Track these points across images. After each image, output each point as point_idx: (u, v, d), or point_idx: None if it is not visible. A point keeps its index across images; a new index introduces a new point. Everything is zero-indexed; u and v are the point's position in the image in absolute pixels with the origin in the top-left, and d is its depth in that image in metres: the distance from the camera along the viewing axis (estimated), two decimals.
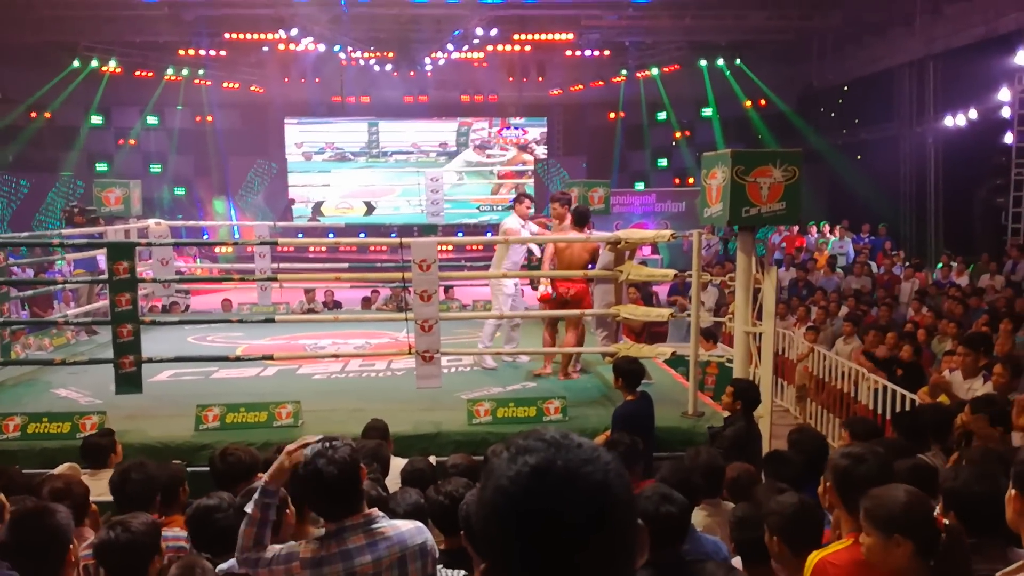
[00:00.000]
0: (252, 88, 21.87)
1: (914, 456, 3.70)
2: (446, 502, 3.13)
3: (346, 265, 12.51)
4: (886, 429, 5.99)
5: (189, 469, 4.31)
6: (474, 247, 16.71)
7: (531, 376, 7.18)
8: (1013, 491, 2.32)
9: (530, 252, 7.92)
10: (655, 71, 21.02)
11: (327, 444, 2.47)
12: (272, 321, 8.26)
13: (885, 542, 2.37)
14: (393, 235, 16.65)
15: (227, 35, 18.20)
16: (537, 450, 1.06)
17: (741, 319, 5.94)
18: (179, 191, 22.78)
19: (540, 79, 22.14)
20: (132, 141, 22.21)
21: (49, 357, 7.88)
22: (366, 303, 12.40)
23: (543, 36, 18.84)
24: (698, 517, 3.55)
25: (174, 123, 22.60)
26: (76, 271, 10.24)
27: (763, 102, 20.53)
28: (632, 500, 1.10)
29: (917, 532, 2.35)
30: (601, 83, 22.20)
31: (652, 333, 9.25)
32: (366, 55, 19.98)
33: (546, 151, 24.23)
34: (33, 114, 19.89)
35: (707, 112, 21.84)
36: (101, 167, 21.37)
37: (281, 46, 18.65)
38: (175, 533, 3.31)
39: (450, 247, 16.88)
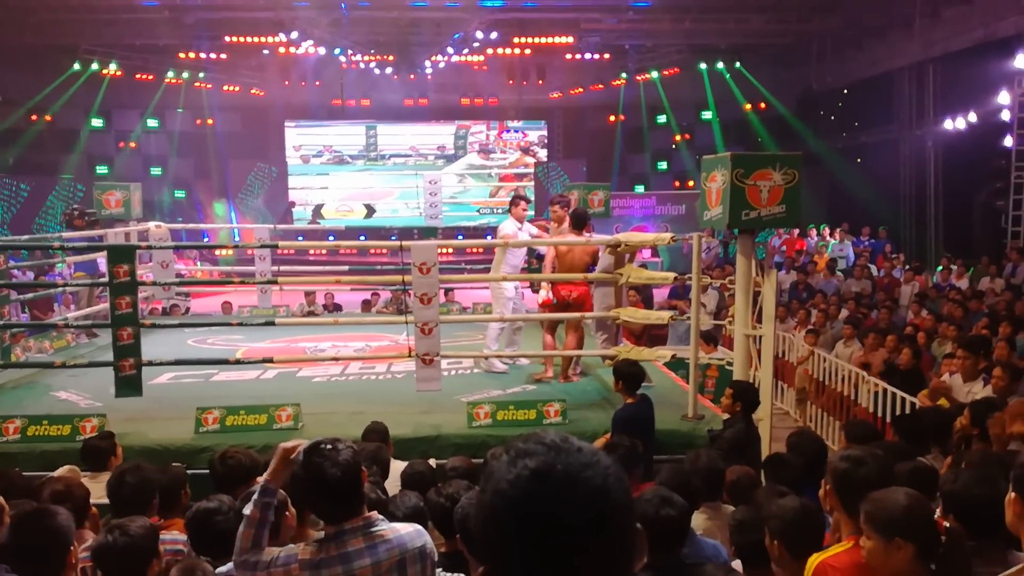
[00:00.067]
0: (252, 91, 21.87)
1: (914, 459, 3.71)
2: (447, 504, 3.13)
3: (346, 268, 12.51)
4: (886, 432, 5.99)
5: (189, 472, 4.30)
6: (474, 250, 16.71)
7: (531, 379, 7.17)
8: (1013, 494, 2.33)
9: (533, 255, 7.90)
10: (655, 74, 21.02)
11: (329, 445, 2.45)
12: (272, 324, 8.26)
13: (886, 545, 2.37)
14: (393, 238, 16.64)
15: (227, 38, 18.22)
16: (537, 453, 1.06)
17: (741, 322, 5.94)
18: (179, 194, 22.77)
19: (540, 82, 22.15)
20: (132, 144, 22.19)
21: (49, 360, 7.87)
22: (366, 306, 12.41)
23: (543, 39, 18.87)
24: (698, 520, 3.55)
25: (174, 126, 22.60)
26: (76, 274, 10.25)
27: (763, 105, 20.53)
28: (631, 504, 1.10)
29: (918, 535, 2.35)
30: (601, 86, 22.20)
31: (652, 336, 9.26)
32: (366, 58, 20.01)
33: (546, 154, 24.26)
34: (33, 117, 19.87)
35: (707, 115, 21.84)
36: (101, 170, 21.36)
37: (281, 49, 18.67)
38: (173, 536, 3.30)
39: (450, 250, 16.89)
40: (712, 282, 7.90)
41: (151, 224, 10.06)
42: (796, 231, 16.09)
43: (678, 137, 22.65)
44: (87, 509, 3.59)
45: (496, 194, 24.05)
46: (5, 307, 7.64)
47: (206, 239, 15.83)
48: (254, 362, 7.32)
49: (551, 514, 1.02)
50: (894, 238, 15.93)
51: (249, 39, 18.13)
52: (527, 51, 19.62)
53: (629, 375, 5.43)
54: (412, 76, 20.97)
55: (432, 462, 4.60)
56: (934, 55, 14.99)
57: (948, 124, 14.52)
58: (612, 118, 23.28)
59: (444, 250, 14.77)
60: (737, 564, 3.11)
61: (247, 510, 2.52)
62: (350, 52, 19.43)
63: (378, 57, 20.00)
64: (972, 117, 13.90)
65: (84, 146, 21.60)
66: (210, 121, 22.54)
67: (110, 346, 6.15)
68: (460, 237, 20.51)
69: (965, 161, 14.55)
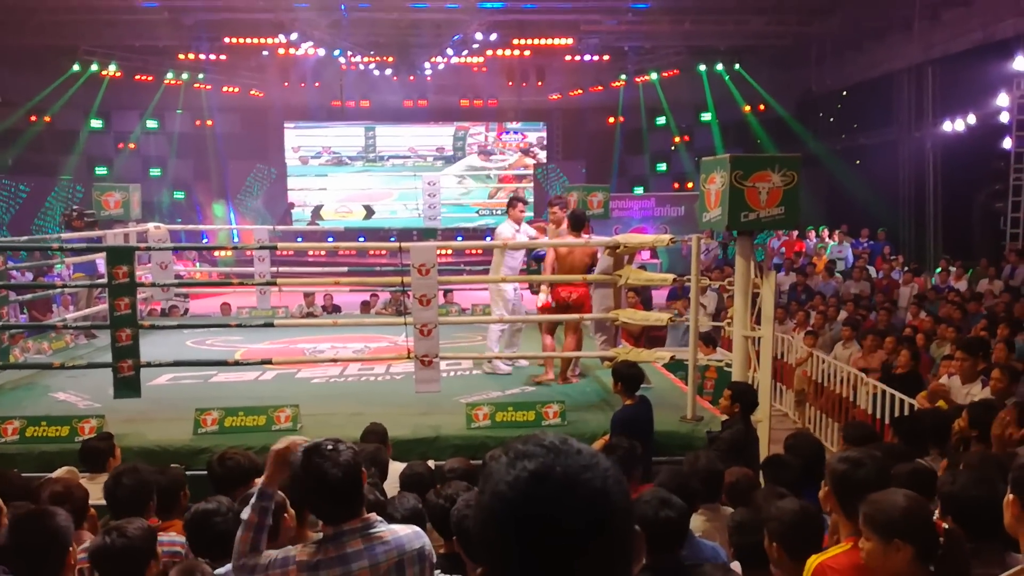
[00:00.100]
0: (252, 92, 21.86)
1: (913, 461, 3.71)
2: (445, 506, 3.13)
3: (345, 269, 12.52)
4: (885, 434, 5.99)
5: (187, 473, 4.29)
6: (473, 251, 16.71)
7: (531, 381, 7.17)
8: (1011, 496, 2.33)
9: (532, 258, 7.90)
10: (654, 76, 21.03)
11: (330, 446, 2.45)
12: (271, 325, 8.25)
13: (885, 547, 2.37)
14: (392, 239, 16.64)
15: (227, 39, 18.22)
16: (536, 455, 1.06)
17: (740, 323, 5.94)
18: (179, 195, 22.76)
19: (539, 84, 22.16)
20: (132, 145, 22.19)
21: (48, 361, 7.86)
22: (365, 307, 12.41)
23: (542, 41, 18.87)
24: (697, 522, 3.55)
25: (174, 127, 22.59)
26: (75, 275, 10.23)
27: (762, 107, 20.54)
28: (630, 506, 1.10)
29: (917, 536, 2.35)
30: (600, 88, 22.21)
31: (651, 337, 9.26)
32: (366, 59, 20.01)
33: (545, 156, 24.27)
34: (33, 118, 19.87)
35: (706, 117, 21.84)
36: (101, 171, 21.36)
37: (281, 50, 18.66)
38: (171, 538, 3.30)
39: (449, 251, 16.88)
40: (711, 284, 7.91)
41: (150, 225, 10.06)
42: (795, 233, 16.09)
43: (677, 139, 22.65)
44: (86, 510, 3.59)
45: (495, 195, 24.04)
46: (4, 308, 7.64)
47: (205, 240, 15.82)
48: (253, 363, 7.32)
49: (550, 516, 1.02)
50: (893, 240, 15.93)
51: (249, 40, 18.13)
52: (526, 53, 19.62)
53: (628, 376, 5.43)
54: (411, 77, 20.98)
55: (431, 463, 4.59)
56: (933, 57, 15.00)
57: (947, 126, 14.52)
58: (611, 120, 23.29)
59: (443, 251, 14.76)
60: (736, 565, 3.11)
61: (245, 514, 2.51)
62: (349, 53, 19.43)
63: (377, 58, 20.00)
64: (971, 119, 13.91)
65: (83, 147, 21.59)
66: (209, 122, 22.53)
67: (109, 347, 6.16)
68: (459, 238, 20.51)
69: (964, 163, 14.55)
